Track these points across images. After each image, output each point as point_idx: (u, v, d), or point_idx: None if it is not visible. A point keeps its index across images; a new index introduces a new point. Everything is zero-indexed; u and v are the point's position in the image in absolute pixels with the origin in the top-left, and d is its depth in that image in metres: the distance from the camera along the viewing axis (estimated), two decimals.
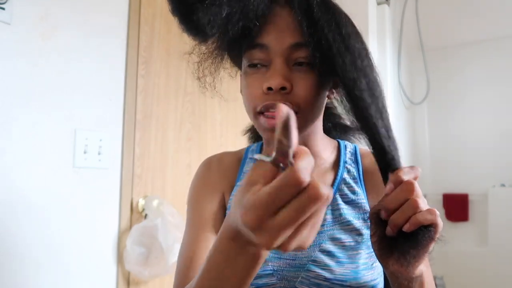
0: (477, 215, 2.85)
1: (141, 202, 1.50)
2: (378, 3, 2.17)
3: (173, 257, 1.43)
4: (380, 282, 0.65)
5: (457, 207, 2.90)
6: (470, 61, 2.96)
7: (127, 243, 1.40)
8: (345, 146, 0.73)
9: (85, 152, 1.33)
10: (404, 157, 2.59)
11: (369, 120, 0.54)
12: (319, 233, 0.65)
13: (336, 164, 0.71)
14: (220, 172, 0.78)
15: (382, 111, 0.55)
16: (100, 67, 1.41)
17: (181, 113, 1.71)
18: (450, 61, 3.01)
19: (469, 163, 2.90)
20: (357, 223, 0.64)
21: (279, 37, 0.61)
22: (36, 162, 1.22)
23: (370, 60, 0.60)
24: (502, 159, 2.81)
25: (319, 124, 0.68)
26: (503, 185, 2.76)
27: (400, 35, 2.49)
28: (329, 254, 0.63)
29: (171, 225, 1.47)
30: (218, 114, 1.82)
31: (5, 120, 1.16)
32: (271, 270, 0.65)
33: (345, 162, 0.70)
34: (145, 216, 1.49)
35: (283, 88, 0.59)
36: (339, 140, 0.75)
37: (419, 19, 2.59)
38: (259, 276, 0.65)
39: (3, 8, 1.14)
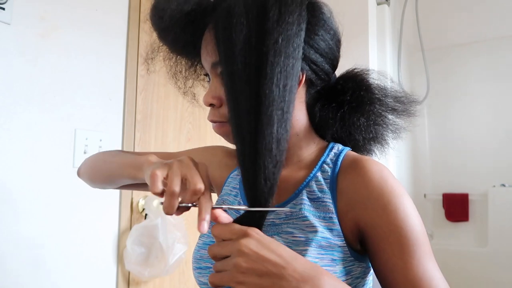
0: (477, 215, 2.85)
1: (141, 202, 1.50)
2: (378, 3, 2.17)
3: (173, 257, 1.43)
4: None
5: (457, 207, 2.89)
6: (470, 61, 2.96)
7: (127, 243, 1.40)
8: (332, 147, 0.71)
9: (85, 152, 1.33)
10: (404, 157, 2.58)
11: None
12: (273, 225, 0.65)
13: (314, 163, 0.70)
14: (222, 160, 0.86)
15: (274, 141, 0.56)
16: (100, 67, 1.41)
17: (181, 113, 1.71)
18: (450, 61, 3.01)
19: (469, 163, 2.90)
20: (314, 220, 0.63)
21: (204, 58, 0.68)
22: (36, 162, 1.22)
23: (286, 78, 0.58)
24: (502, 159, 2.80)
25: (292, 127, 0.69)
26: (503, 185, 2.76)
27: (400, 35, 2.49)
28: None
29: (171, 225, 1.47)
30: None
31: (5, 119, 1.16)
32: None
33: (324, 162, 0.69)
34: (145, 216, 1.49)
35: (211, 105, 0.68)
36: (332, 143, 0.73)
37: (419, 19, 2.59)
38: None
39: (3, 8, 1.14)
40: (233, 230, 0.55)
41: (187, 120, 1.73)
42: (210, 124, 0.71)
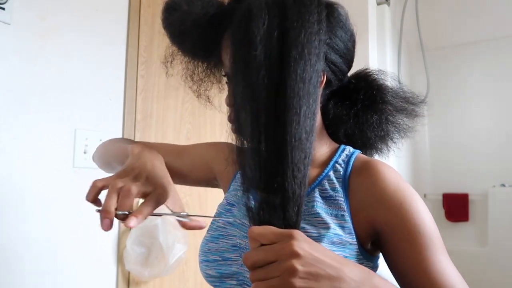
0: (477, 215, 2.85)
1: (141, 202, 1.50)
2: (378, 3, 2.17)
3: (173, 257, 1.43)
4: None
5: (457, 207, 2.89)
6: (470, 61, 2.95)
7: (127, 243, 1.40)
8: (344, 149, 0.73)
9: (85, 152, 1.33)
10: (404, 157, 2.58)
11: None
12: None
13: (326, 163, 0.71)
14: (230, 156, 0.83)
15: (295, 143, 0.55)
16: (100, 67, 1.41)
17: (181, 113, 1.71)
18: (450, 61, 3.00)
19: (469, 163, 2.89)
20: (326, 217, 0.64)
21: (226, 59, 0.69)
22: (36, 162, 1.22)
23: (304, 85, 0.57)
24: (502, 159, 2.80)
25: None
26: (503, 185, 2.76)
27: (400, 35, 2.49)
28: None
29: (171, 225, 1.47)
30: (218, 114, 1.82)
31: (5, 119, 1.16)
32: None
33: (336, 162, 0.70)
34: None
35: None
36: (343, 145, 0.75)
37: (419, 19, 2.59)
38: (226, 276, 0.69)
39: (3, 8, 1.14)
40: (276, 232, 0.50)
41: (187, 120, 1.73)
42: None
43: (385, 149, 0.79)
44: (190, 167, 0.86)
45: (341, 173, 0.68)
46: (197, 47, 0.74)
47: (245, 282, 0.66)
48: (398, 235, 0.62)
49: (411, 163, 2.88)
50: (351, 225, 0.64)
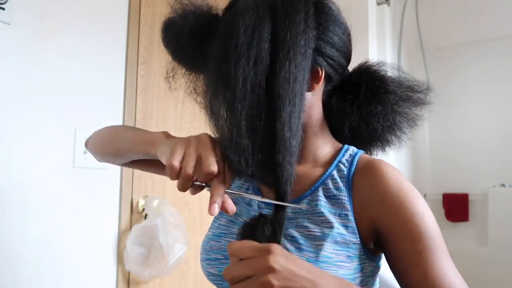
0: (477, 215, 2.85)
1: (141, 202, 1.50)
2: (378, 3, 2.17)
3: (173, 257, 1.43)
4: None
5: (457, 207, 2.89)
6: (470, 61, 2.95)
7: (127, 243, 1.40)
8: (347, 149, 0.73)
9: (85, 152, 1.33)
10: (404, 157, 2.57)
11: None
12: (288, 219, 0.65)
13: (330, 162, 0.72)
14: None
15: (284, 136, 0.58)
16: (100, 67, 1.41)
17: (181, 113, 1.71)
18: (450, 61, 3.00)
19: (469, 163, 2.89)
20: (330, 216, 0.64)
21: None
22: (36, 162, 1.22)
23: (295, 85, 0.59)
24: (502, 159, 2.80)
25: (311, 126, 0.71)
26: (503, 185, 2.76)
27: (400, 35, 2.49)
28: (291, 239, 0.63)
29: (171, 225, 1.47)
30: None
31: (5, 120, 1.16)
32: None
33: (340, 161, 0.71)
34: (145, 216, 1.49)
35: None
36: (347, 145, 0.75)
37: (419, 19, 2.58)
38: None
39: (3, 8, 1.14)
40: (254, 247, 0.51)
41: (187, 120, 1.73)
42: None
43: (396, 140, 0.78)
44: None
45: (345, 172, 0.69)
46: (197, 58, 0.74)
47: None
48: (399, 235, 0.62)
49: (411, 163, 2.88)
50: (355, 225, 0.64)
